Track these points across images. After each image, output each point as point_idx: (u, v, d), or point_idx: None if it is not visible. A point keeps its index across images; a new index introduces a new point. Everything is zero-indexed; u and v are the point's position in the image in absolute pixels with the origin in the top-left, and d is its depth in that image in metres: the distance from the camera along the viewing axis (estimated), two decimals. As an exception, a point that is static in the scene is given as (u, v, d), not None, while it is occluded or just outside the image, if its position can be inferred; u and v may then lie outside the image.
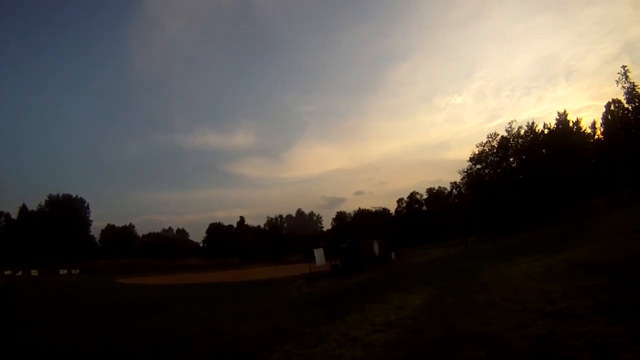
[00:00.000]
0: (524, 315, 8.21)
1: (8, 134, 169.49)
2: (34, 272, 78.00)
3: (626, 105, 50.44)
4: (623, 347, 5.42)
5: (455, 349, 6.70)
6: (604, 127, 66.98)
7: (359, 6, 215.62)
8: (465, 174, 68.34)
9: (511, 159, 66.04)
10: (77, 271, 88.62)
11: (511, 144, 65.05)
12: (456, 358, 6.23)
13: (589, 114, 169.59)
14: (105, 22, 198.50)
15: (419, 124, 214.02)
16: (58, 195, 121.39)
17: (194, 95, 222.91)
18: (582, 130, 69.20)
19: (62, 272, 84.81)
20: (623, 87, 45.01)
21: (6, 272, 68.82)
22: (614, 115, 63.07)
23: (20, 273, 74.00)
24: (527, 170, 62.20)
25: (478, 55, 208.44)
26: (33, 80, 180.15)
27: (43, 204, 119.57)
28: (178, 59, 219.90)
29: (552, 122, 69.52)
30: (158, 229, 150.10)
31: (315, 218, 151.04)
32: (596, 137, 69.16)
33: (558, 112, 70.50)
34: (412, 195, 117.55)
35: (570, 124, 68.86)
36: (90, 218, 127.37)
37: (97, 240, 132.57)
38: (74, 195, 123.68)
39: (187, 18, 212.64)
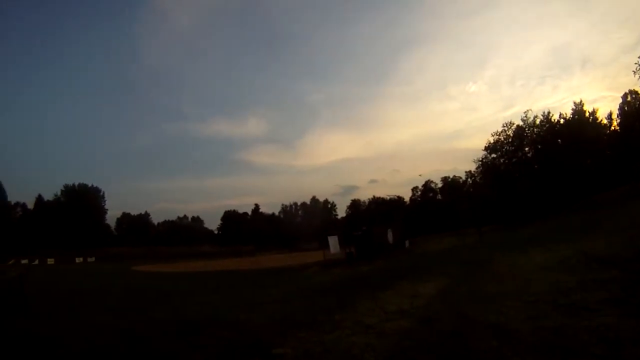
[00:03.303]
0: (537, 306, 8.21)
1: (24, 126, 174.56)
2: (50, 261, 79.04)
3: (643, 97, 50.04)
4: (635, 342, 5.43)
5: (468, 339, 6.75)
6: (620, 118, 66.12)
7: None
8: (480, 163, 68.01)
9: (527, 149, 65.49)
10: (93, 259, 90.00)
11: (527, 133, 64.45)
12: (468, 348, 6.28)
13: (604, 105, 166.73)
14: (115, 15, 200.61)
15: (432, 112, 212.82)
16: (74, 184, 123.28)
17: (205, 84, 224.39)
18: (599, 121, 68.18)
19: (78, 260, 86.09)
20: (641, 77, 44.58)
21: (23, 261, 69.84)
22: (630, 106, 62.33)
23: (36, 262, 74.92)
24: (542, 161, 61.67)
25: (491, 43, 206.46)
26: (48, 73, 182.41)
27: (59, 193, 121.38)
28: (188, 50, 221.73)
29: (568, 112, 68.65)
30: (173, 217, 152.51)
31: (329, 206, 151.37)
32: (612, 128, 68.23)
33: (574, 102, 69.55)
34: (427, 184, 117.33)
35: (587, 114, 67.81)
36: (106, 207, 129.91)
37: (112, 228, 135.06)
38: (90, 185, 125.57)
39: (195, 8, 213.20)
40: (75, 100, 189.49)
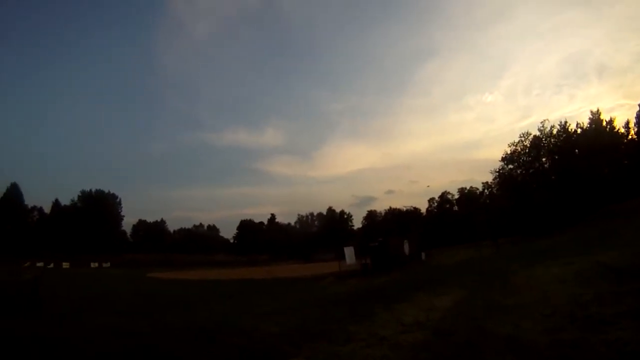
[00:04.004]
0: (554, 319, 8.17)
1: (41, 131, 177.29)
2: (65, 265, 79.34)
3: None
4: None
5: (484, 351, 6.72)
6: (637, 127, 65.28)
7: (386, 6, 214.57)
8: (497, 173, 67.33)
9: (544, 159, 64.71)
10: (108, 264, 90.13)
11: (544, 143, 63.70)
12: (484, 361, 6.27)
13: (621, 113, 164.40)
14: (132, 23, 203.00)
15: (449, 122, 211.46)
16: (90, 190, 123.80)
17: (222, 93, 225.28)
18: (616, 130, 67.32)
19: (93, 265, 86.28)
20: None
21: (38, 264, 70.29)
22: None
23: (52, 265, 74.85)
24: (560, 171, 60.97)
25: (507, 53, 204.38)
26: (66, 80, 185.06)
27: (76, 199, 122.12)
28: (205, 58, 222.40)
29: (585, 122, 67.89)
30: (189, 225, 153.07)
31: (345, 216, 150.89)
32: (630, 137, 67.33)
33: (591, 111, 68.67)
34: (444, 195, 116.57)
35: (604, 123, 67.05)
36: (122, 213, 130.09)
37: (128, 235, 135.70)
38: (106, 191, 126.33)
39: (212, 16, 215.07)
40: (93, 107, 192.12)
